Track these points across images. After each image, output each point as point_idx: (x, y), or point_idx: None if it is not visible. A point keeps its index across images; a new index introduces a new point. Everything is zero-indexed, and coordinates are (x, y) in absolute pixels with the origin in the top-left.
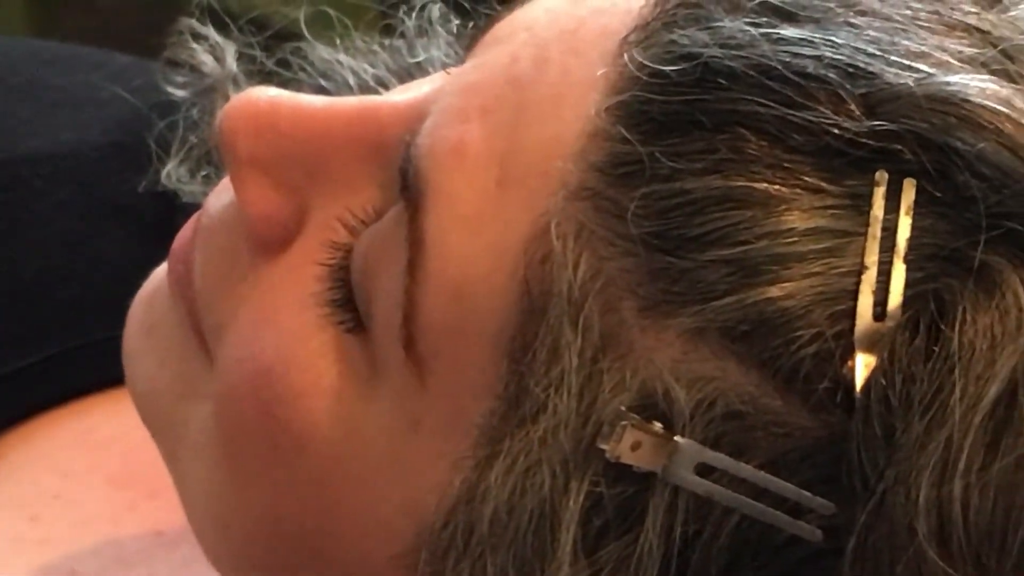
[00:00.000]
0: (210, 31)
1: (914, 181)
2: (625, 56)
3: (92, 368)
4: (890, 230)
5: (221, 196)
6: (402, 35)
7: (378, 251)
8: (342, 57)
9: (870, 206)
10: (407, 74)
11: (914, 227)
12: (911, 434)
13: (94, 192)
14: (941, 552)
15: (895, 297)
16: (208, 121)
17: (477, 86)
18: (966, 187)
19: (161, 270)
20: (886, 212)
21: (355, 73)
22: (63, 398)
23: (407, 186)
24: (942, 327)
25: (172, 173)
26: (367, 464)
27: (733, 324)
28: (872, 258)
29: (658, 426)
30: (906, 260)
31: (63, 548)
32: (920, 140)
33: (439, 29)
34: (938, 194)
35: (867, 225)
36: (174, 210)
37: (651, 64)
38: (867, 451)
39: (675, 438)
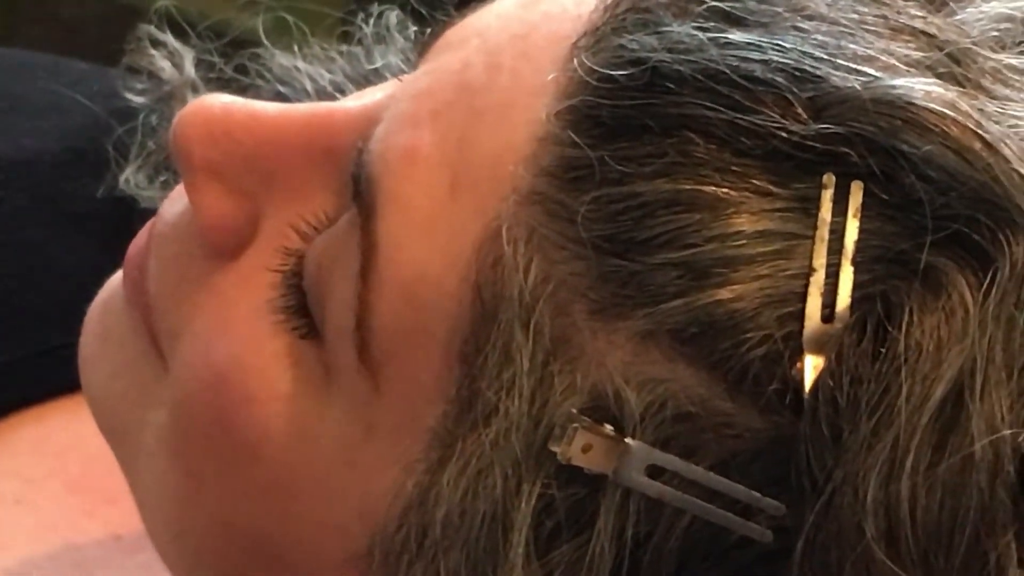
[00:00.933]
0: (168, 38)
1: (861, 184)
2: (575, 61)
3: (50, 375)
4: (838, 233)
5: (175, 203)
6: (360, 42)
7: (331, 257)
8: (300, 64)
9: (818, 209)
10: (365, 80)
11: (862, 230)
12: (858, 435)
13: (52, 199)
14: (889, 552)
15: (843, 299)
16: (167, 127)
17: (429, 92)
18: (913, 190)
19: (116, 277)
20: (834, 215)
21: (313, 79)
22: (21, 404)
23: (359, 192)
24: (889, 329)
25: (130, 179)
26: (321, 469)
27: (682, 326)
28: (820, 260)
29: (609, 428)
30: (854, 262)
31: (22, 553)
32: (867, 143)
33: (396, 36)
34: (885, 197)
35: (815, 228)
36: (132, 216)
37: (600, 69)
38: (815, 452)
39: (625, 440)
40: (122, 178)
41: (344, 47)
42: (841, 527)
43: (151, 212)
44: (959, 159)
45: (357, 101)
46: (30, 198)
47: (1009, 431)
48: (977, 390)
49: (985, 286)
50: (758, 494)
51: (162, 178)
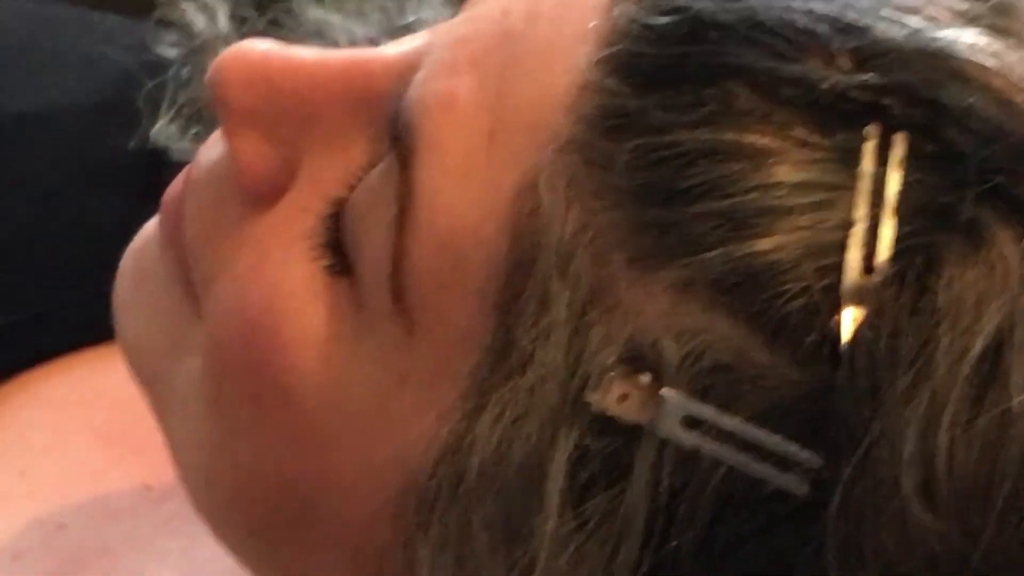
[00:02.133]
0: None
1: (905, 135)
2: (616, 9)
3: (80, 326)
4: (879, 184)
5: (212, 149)
6: None
7: (368, 203)
8: (333, 17)
9: (860, 160)
10: (398, 34)
11: (904, 182)
12: (897, 388)
13: (83, 151)
14: (925, 506)
15: (883, 251)
16: (198, 80)
17: (468, 39)
18: (955, 142)
19: (151, 224)
20: (876, 166)
21: (346, 33)
22: (51, 355)
23: (397, 138)
24: (929, 281)
25: (161, 131)
26: (353, 416)
27: (721, 277)
28: (861, 212)
29: (646, 378)
30: (895, 215)
31: (51, 502)
32: (910, 95)
33: None
34: (928, 149)
35: (856, 179)
36: (163, 169)
37: (642, 17)
38: (853, 404)
39: (662, 390)
40: (153, 131)
41: (377, 1)
42: (878, 481)
43: (182, 165)
44: (1002, 112)
45: (396, 48)
46: (61, 151)
47: None
48: (1016, 344)
49: None
50: (794, 446)
51: (193, 131)
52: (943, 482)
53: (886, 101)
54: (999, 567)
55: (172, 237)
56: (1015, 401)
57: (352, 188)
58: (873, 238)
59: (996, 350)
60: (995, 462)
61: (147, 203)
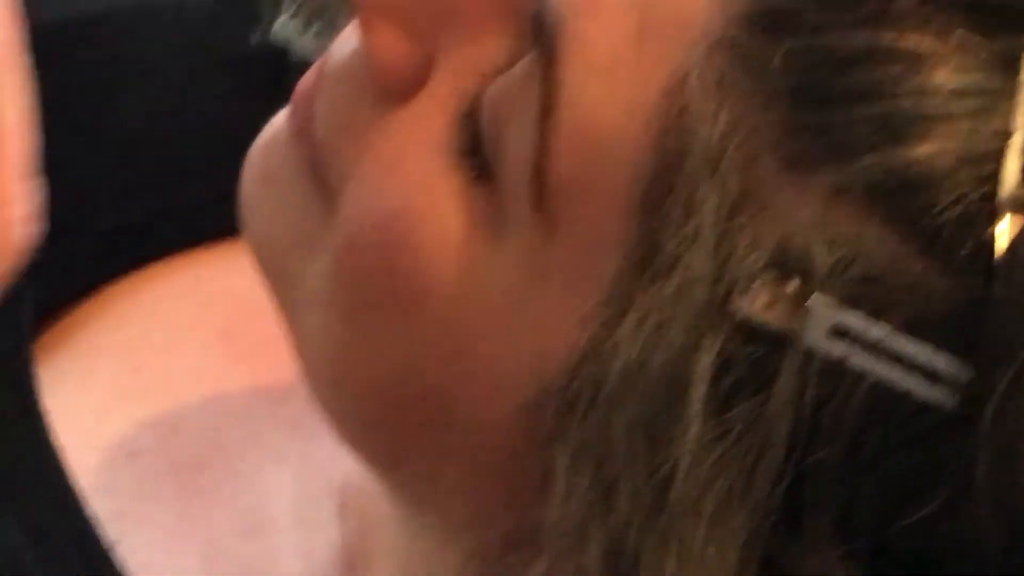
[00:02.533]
0: None
1: None
2: None
3: (202, 223)
4: None
5: (346, 43)
6: None
7: (509, 100)
8: None
9: (1021, 67)
10: None
11: None
12: None
13: (204, 45)
14: None
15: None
16: None
17: None
18: None
19: (281, 117)
20: None
21: None
22: (171, 252)
23: (541, 34)
24: None
25: (283, 27)
26: (490, 318)
27: (875, 183)
28: (1021, 120)
29: (794, 285)
30: None
31: (166, 401)
32: None
33: None
34: None
35: (1017, 87)
36: (286, 65)
37: None
38: (1010, 316)
39: (811, 297)
40: (275, 26)
41: None
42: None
43: (303, 63)
44: None
45: None
46: (181, 43)
47: None
48: None
49: None
50: (945, 356)
51: (316, 27)
52: None
53: None
54: None
55: (304, 132)
56: None
57: (490, 85)
58: None
59: None
60: None
61: (270, 99)
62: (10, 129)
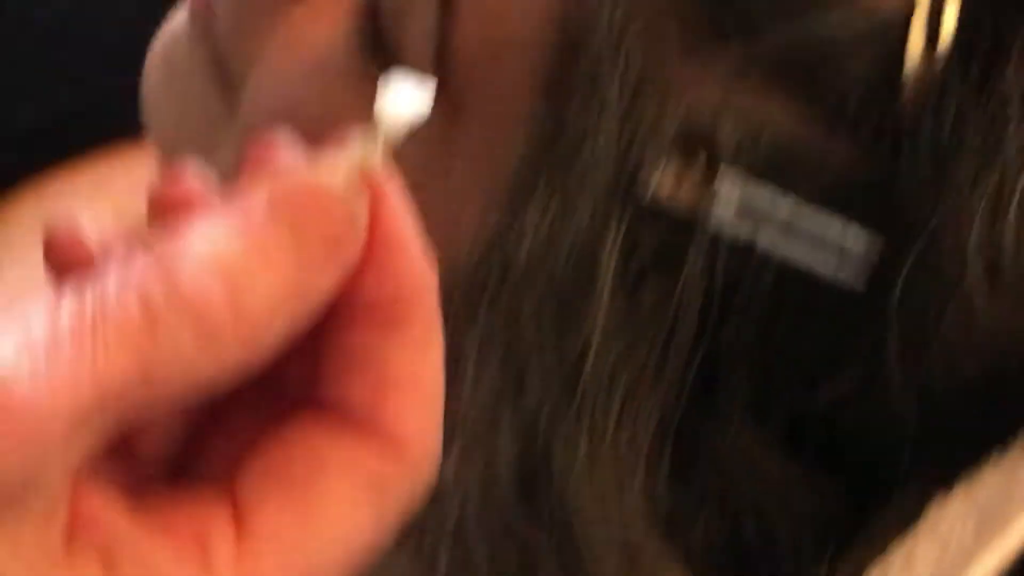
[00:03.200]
0: None
1: None
2: None
3: (107, 121)
4: None
5: None
6: None
7: None
8: None
9: None
10: None
11: None
12: (962, 172)
13: None
14: (991, 295)
15: (947, 32)
16: None
17: None
18: None
19: (180, 14)
20: None
21: None
22: (80, 151)
23: None
24: (996, 65)
25: None
26: None
27: (780, 56)
28: None
29: (701, 160)
30: None
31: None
32: None
33: None
34: None
35: None
36: None
37: None
38: (916, 190)
39: (718, 173)
40: None
41: None
42: (941, 269)
43: None
44: None
45: None
46: None
47: None
48: None
49: None
50: (854, 230)
51: None
52: (1009, 270)
53: None
54: None
55: (203, 29)
56: None
57: None
58: (937, 19)
59: None
60: None
61: None
62: None
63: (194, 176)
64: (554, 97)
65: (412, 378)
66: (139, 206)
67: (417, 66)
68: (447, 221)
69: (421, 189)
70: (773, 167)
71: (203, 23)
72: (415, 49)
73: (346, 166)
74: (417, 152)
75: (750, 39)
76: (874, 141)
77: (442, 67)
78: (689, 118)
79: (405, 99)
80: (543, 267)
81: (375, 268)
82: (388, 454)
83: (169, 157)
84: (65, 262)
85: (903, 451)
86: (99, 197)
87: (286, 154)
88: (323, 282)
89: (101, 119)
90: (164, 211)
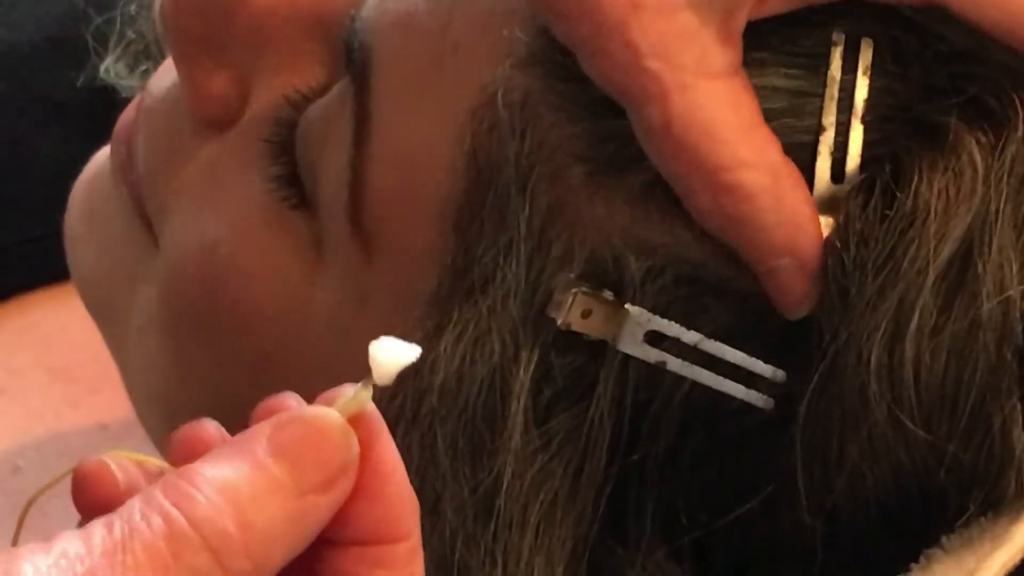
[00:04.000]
0: None
1: (871, 41)
2: None
3: (33, 264)
4: (848, 91)
5: (164, 77)
6: None
7: (323, 126)
8: None
9: (828, 66)
10: None
11: (871, 88)
12: (864, 294)
13: (31, 87)
14: (892, 415)
15: (853, 159)
16: (146, 16)
17: None
18: (923, 50)
19: (102, 154)
20: (844, 73)
21: None
22: (4, 295)
23: (352, 60)
24: (898, 189)
25: (110, 68)
26: (313, 341)
27: None
28: (830, 119)
29: (608, 294)
30: (864, 121)
31: (6, 443)
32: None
33: None
34: (895, 55)
35: (825, 86)
36: (113, 106)
37: None
38: (820, 313)
39: (625, 305)
40: (102, 68)
41: None
42: (844, 390)
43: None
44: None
45: None
46: (9, 87)
47: (1018, 292)
48: (985, 250)
49: (996, 146)
50: (759, 360)
51: (142, 67)
52: (910, 391)
53: (854, 8)
54: (965, 479)
55: (124, 169)
56: (984, 308)
57: (305, 112)
58: (843, 145)
59: (964, 256)
60: (963, 371)
61: (97, 139)
62: None
63: (209, 423)
64: (464, 233)
65: None
66: (64, 348)
67: (331, 208)
68: (363, 354)
69: (338, 325)
70: (678, 298)
71: (123, 161)
72: (329, 186)
73: (340, 405)
74: (333, 288)
75: (646, 166)
76: None
77: (355, 209)
78: (595, 252)
79: (392, 352)
80: (457, 397)
81: (367, 495)
82: None
83: (92, 298)
84: (94, 500)
85: (812, 570)
86: (24, 340)
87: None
88: (321, 506)
89: (25, 261)
90: (184, 452)
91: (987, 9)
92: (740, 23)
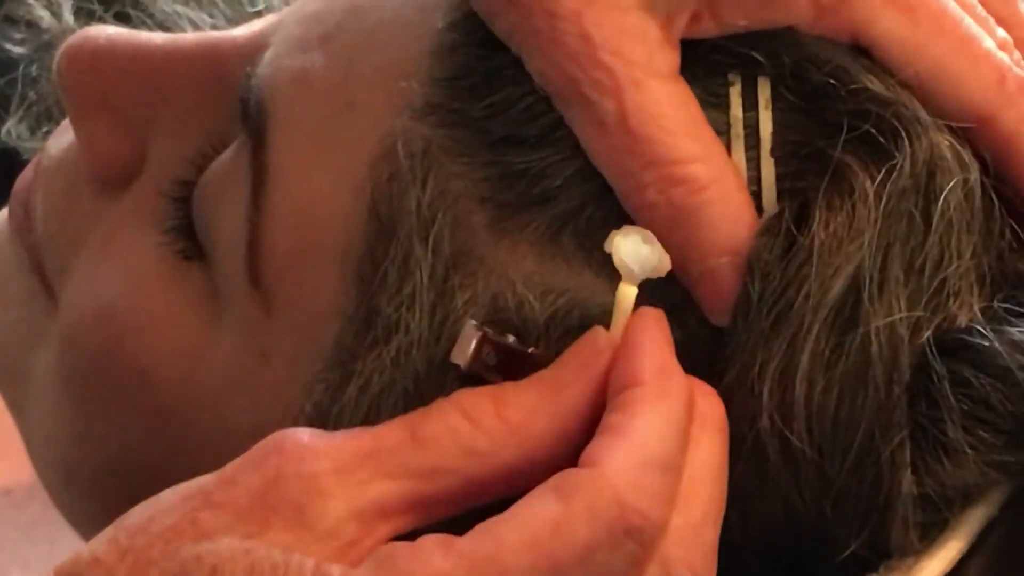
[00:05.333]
0: None
1: (767, 79)
2: None
3: None
4: (752, 128)
5: (61, 138)
6: None
7: (219, 186)
8: (180, 8)
9: (729, 106)
10: (247, 21)
11: (776, 123)
12: (756, 329)
13: None
14: (782, 449)
15: (768, 191)
16: (47, 77)
17: (318, 15)
18: (821, 87)
19: (1, 216)
20: (745, 110)
21: (194, 24)
22: None
23: (248, 117)
24: (797, 225)
25: (12, 130)
26: (214, 396)
27: (585, 228)
28: (739, 155)
29: (512, 339)
30: (773, 155)
31: None
32: (774, 42)
33: None
34: (795, 92)
35: (729, 125)
36: (15, 168)
37: None
38: (717, 351)
39: (529, 350)
40: (3, 130)
41: None
42: (734, 424)
43: None
44: (866, 57)
45: (245, 29)
46: None
47: (906, 330)
48: (875, 288)
49: (886, 182)
50: None
51: (44, 129)
52: (800, 426)
53: (751, 52)
54: (853, 513)
55: (22, 228)
56: (873, 345)
57: (202, 170)
58: (757, 179)
59: (855, 294)
60: (853, 407)
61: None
62: None
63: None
64: (367, 285)
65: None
66: None
67: (228, 263)
68: (264, 408)
69: (239, 380)
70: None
71: (21, 223)
72: (226, 242)
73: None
74: (233, 344)
75: (554, 210)
76: (685, 307)
77: (254, 264)
78: (498, 298)
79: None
80: None
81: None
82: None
83: None
84: None
85: None
86: None
87: None
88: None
89: None
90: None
91: (915, 57)
92: (679, 29)
